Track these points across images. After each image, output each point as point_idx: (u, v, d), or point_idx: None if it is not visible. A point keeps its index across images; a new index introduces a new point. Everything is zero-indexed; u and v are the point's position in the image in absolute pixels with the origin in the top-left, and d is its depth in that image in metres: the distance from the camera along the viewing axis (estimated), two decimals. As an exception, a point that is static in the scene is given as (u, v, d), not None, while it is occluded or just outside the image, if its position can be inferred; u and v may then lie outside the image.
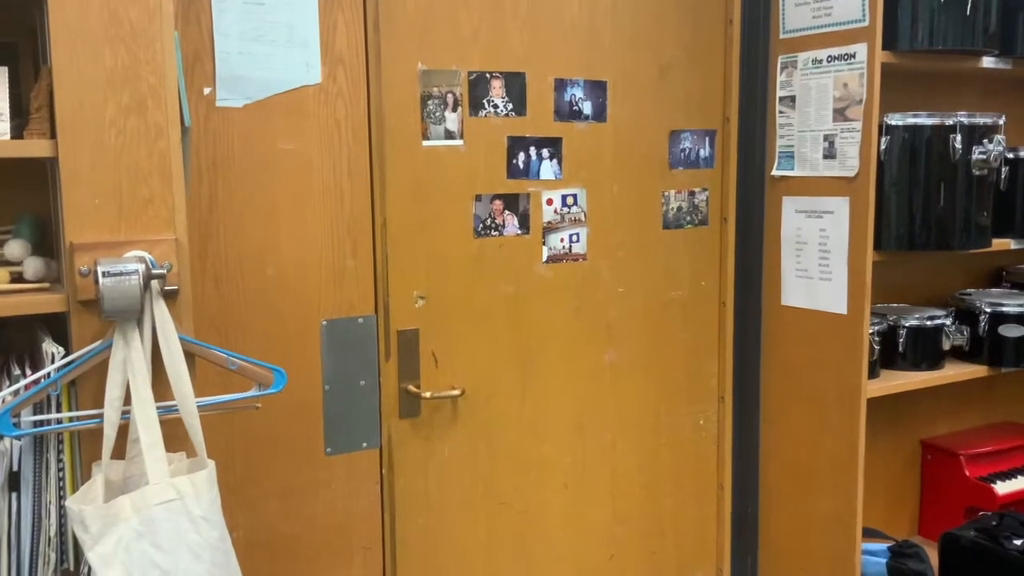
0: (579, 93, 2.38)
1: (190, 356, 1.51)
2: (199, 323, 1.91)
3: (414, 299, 2.22)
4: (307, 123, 2.02)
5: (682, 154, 2.53)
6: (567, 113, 2.37)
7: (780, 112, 2.48)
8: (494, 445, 2.36)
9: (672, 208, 2.53)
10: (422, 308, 2.23)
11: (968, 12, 2.31)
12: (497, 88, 2.27)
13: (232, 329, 1.98)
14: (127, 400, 1.46)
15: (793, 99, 2.44)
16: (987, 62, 2.46)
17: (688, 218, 2.56)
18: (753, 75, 2.51)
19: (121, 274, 1.40)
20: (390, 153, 2.14)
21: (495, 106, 2.27)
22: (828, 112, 2.35)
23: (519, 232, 2.34)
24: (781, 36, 2.46)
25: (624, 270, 2.48)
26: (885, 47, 2.27)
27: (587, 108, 2.39)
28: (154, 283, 1.46)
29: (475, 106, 2.25)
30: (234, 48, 1.93)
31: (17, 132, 1.50)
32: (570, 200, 2.40)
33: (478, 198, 2.28)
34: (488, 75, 2.25)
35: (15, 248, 1.58)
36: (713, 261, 2.62)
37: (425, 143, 2.19)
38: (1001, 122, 2.43)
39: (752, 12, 2.49)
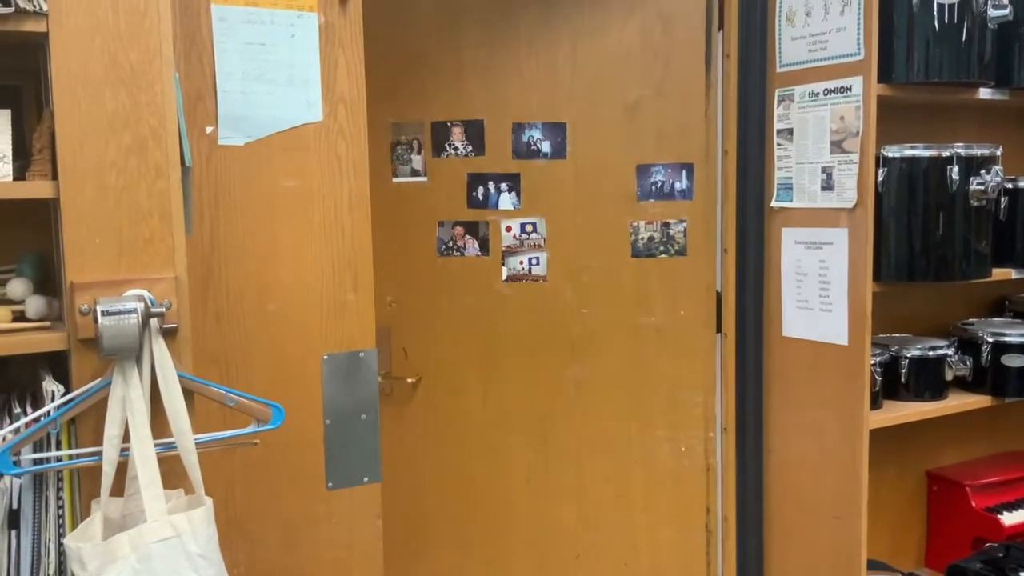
0: (537, 134, 2.68)
1: (188, 393, 1.53)
2: (200, 359, 1.93)
3: (387, 302, 2.64)
4: (308, 160, 2.04)
5: (653, 187, 2.68)
6: (525, 152, 2.67)
7: (778, 144, 2.50)
8: (455, 430, 2.73)
9: (642, 238, 2.69)
10: (394, 310, 2.67)
11: (963, 44, 2.33)
12: (457, 134, 2.66)
13: (234, 364, 1.99)
14: (126, 438, 1.47)
15: (791, 132, 2.46)
16: (984, 93, 2.48)
17: (662, 248, 2.69)
18: (751, 108, 2.53)
19: (120, 313, 1.42)
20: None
21: (455, 148, 2.66)
22: (825, 144, 2.37)
23: (479, 254, 2.69)
24: (778, 70, 2.48)
25: (589, 293, 2.69)
26: (881, 80, 2.29)
27: (545, 147, 2.68)
28: (153, 321, 1.48)
29: (437, 149, 2.65)
30: (236, 87, 1.96)
31: (20, 173, 1.53)
32: (529, 227, 2.72)
33: (441, 224, 2.67)
34: (449, 123, 2.65)
35: (17, 287, 1.60)
36: (694, 290, 2.69)
37: (395, 180, 2.66)
38: (998, 153, 2.43)
39: (749, 47, 2.52)
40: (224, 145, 1.96)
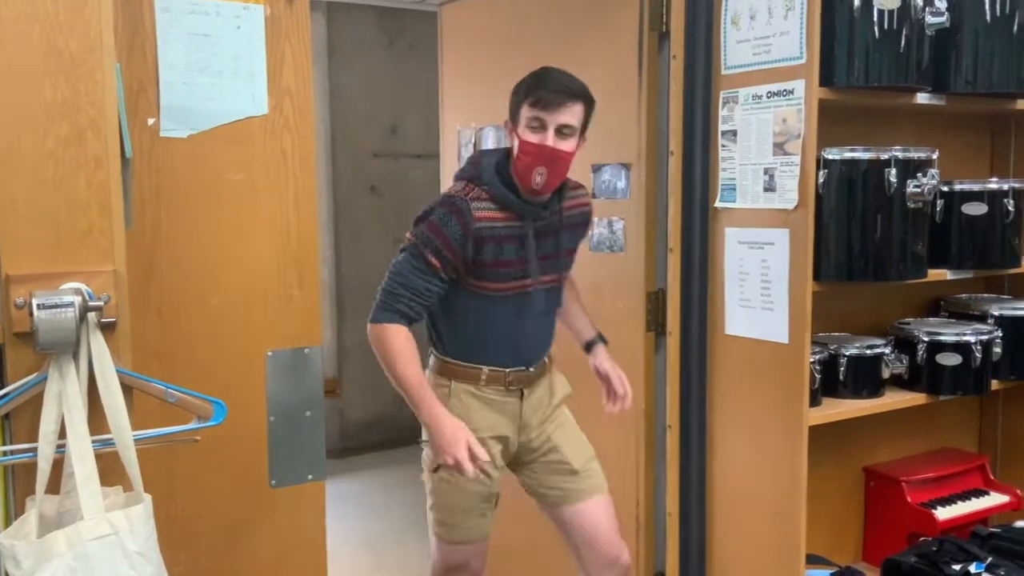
0: None
1: (127, 389, 1.50)
2: (142, 355, 1.89)
3: None
4: (253, 154, 2.01)
5: (603, 185, 2.90)
6: None
7: (723, 146, 2.53)
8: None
9: (596, 233, 2.88)
10: None
11: (902, 50, 2.39)
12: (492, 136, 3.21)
13: (176, 360, 1.96)
14: (62, 434, 1.45)
15: (735, 133, 2.50)
16: (921, 98, 2.54)
17: (607, 244, 2.89)
18: (696, 110, 2.56)
19: (56, 306, 1.40)
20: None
21: None
22: (768, 146, 2.41)
23: None
24: (723, 72, 2.52)
25: (578, 280, 2.84)
26: (822, 83, 2.33)
27: None
28: (91, 315, 1.45)
29: None
30: (179, 79, 1.93)
31: (-47, 163, 1.49)
32: None
33: None
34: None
35: (-50, 280, 1.56)
36: (627, 287, 2.83)
37: None
38: (935, 156, 2.50)
39: (695, 49, 2.55)
40: (167, 137, 1.93)
